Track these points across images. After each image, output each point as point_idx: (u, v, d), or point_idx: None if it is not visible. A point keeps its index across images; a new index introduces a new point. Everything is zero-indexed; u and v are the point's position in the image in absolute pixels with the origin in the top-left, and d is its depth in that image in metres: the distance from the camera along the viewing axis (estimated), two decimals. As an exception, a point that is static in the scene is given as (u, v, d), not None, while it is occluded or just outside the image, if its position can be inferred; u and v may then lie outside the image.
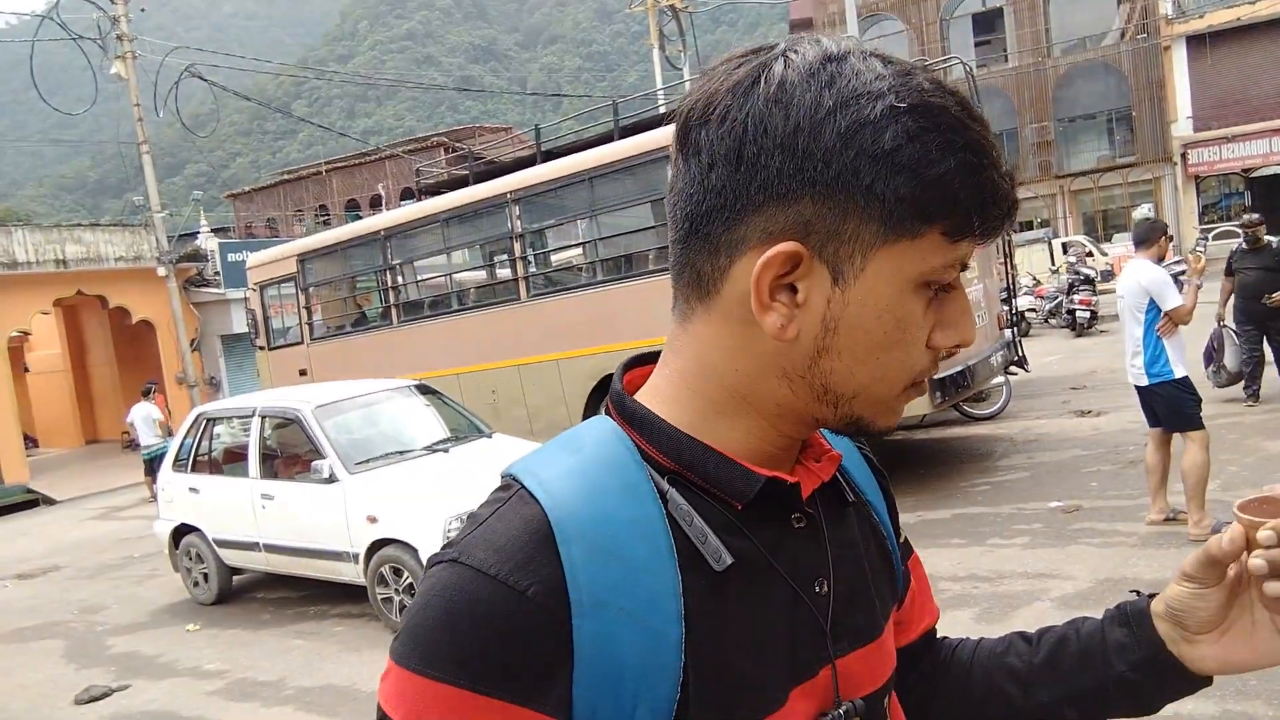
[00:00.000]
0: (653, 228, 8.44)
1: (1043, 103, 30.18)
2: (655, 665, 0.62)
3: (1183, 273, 6.64)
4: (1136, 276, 5.28)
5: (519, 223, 8.83)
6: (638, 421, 0.70)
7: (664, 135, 7.92)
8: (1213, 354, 8.43)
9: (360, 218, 36.09)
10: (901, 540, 0.89)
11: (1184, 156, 29.11)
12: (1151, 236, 5.41)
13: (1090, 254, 20.20)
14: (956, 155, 0.60)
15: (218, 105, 20.80)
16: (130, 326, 20.12)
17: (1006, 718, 0.86)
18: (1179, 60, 29.06)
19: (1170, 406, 5.19)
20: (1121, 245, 22.47)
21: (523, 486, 0.65)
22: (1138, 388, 5.33)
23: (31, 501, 16.29)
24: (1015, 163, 28.14)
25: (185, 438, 7.60)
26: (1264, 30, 27.82)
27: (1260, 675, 3.33)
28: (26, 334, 19.86)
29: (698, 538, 0.65)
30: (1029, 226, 25.90)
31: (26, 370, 22.77)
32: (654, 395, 0.71)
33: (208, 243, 22.55)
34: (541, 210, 9.08)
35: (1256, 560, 0.68)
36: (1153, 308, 5.14)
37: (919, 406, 7.11)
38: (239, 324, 21.08)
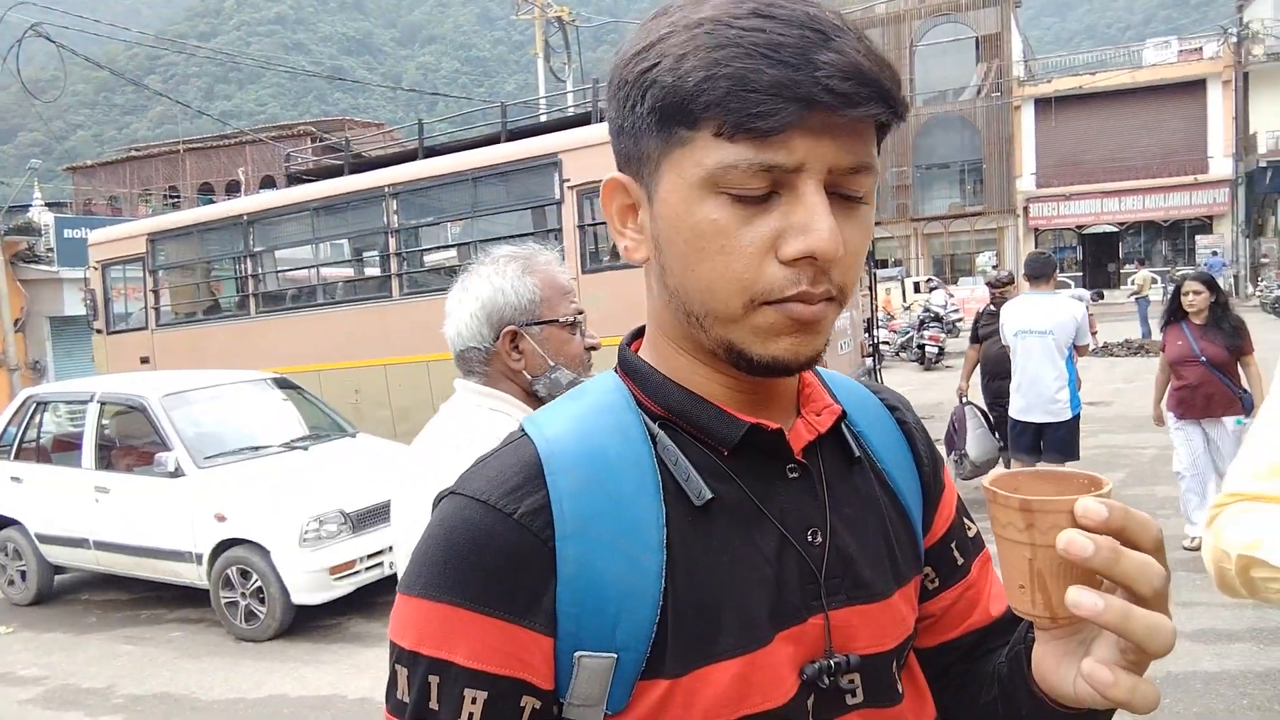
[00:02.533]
0: (533, 234, 8.34)
1: (904, 148, 31.84)
2: (635, 589, 0.65)
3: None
4: (1070, 311, 5.27)
5: (395, 218, 8.54)
6: (634, 372, 0.74)
7: (552, 141, 7.87)
8: (953, 438, 6.55)
9: (213, 202, 34.37)
10: (974, 534, 0.87)
11: (1026, 210, 31.36)
12: (1049, 271, 5.46)
13: (950, 294, 21.37)
14: (697, 56, 0.61)
15: (65, 70, 19.28)
16: (-56, 299, 18.33)
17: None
18: (1027, 120, 31.36)
19: (1071, 436, 5.42)
20: (967, 288, 23.92)
21: (524, 433, 0.71)
22: (1050, 422, 5.33)
23: None
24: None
25: (9, 423, 6.92)
26: (1101, 100, 30.40)
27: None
28: None
29: (681, 475, 0.68)
30: (884, 265, 27.19)
31: None
32: (646, 348, 0.76)
33: (41, 216, 20.82)
34: (420, 207, 8.84)
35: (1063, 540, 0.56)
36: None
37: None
38: (71, 305, 19.51)
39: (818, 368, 0.80)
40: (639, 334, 0.79)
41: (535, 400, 1.59)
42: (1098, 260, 32.80)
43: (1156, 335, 7.06)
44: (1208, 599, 4.48)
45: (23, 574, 6.68)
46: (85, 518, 6.25)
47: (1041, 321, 5.30)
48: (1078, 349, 5.38)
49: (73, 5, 21.41)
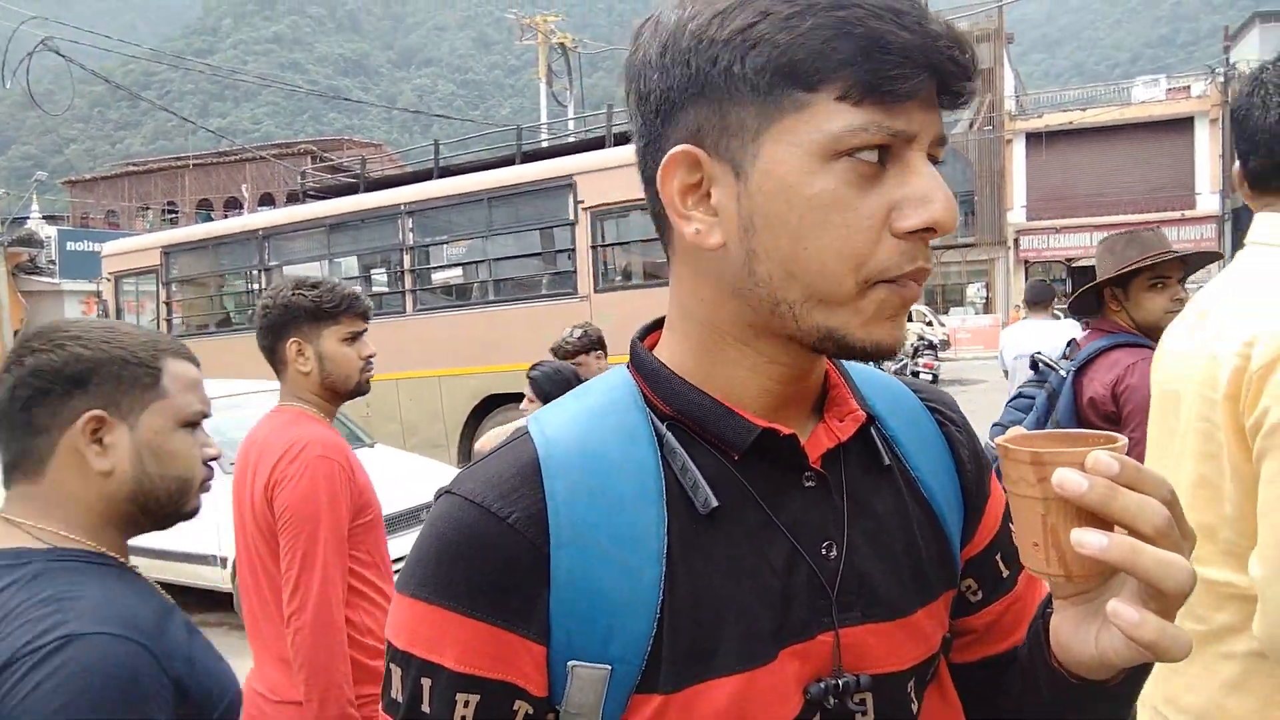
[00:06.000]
0: (545, 253, 8.55)
1: (897, 179, 32.24)
2: (631, 600, 0.63)
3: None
4: (1068, 335, 5.27)
5: (411, 235, 8.75)
6: (644, 369, 0.71)
7: (566, 164, 8.09)
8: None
9: (212, 219, 34.52)
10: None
11: (1016, 242, 31.84)
12: (1048, 298, 5.56)
13: (930, 323, 21.82)
14: (818, 16, 0.57)
15: (73, 83, 19.50)
16: (-55, 309, 18.41)
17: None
18: (1018, 154, 31.93)
19: None
20: (957, 318, 24.31)
21: (528, 433, 0.69)
22: None
23: None
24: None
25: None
26: (1090, 136, 31.00)
27: None
28: None
29: (688, 482, 0.66)
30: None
31: None
32: (661, 345, 0.73)
33: (44, 229, 20.98)
34: (435, 225, 9.03)
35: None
36: None
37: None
38: (71, 316, 19.63)
39: (852, 364, 0.77)
40: (652, 328, 0.77)
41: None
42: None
43: None
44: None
45: None
46: (109, 521, 6.37)
47: (1039, 345, 5.39)
48: None
49: (72, 19, 21.60)
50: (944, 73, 0.59)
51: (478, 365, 8.30)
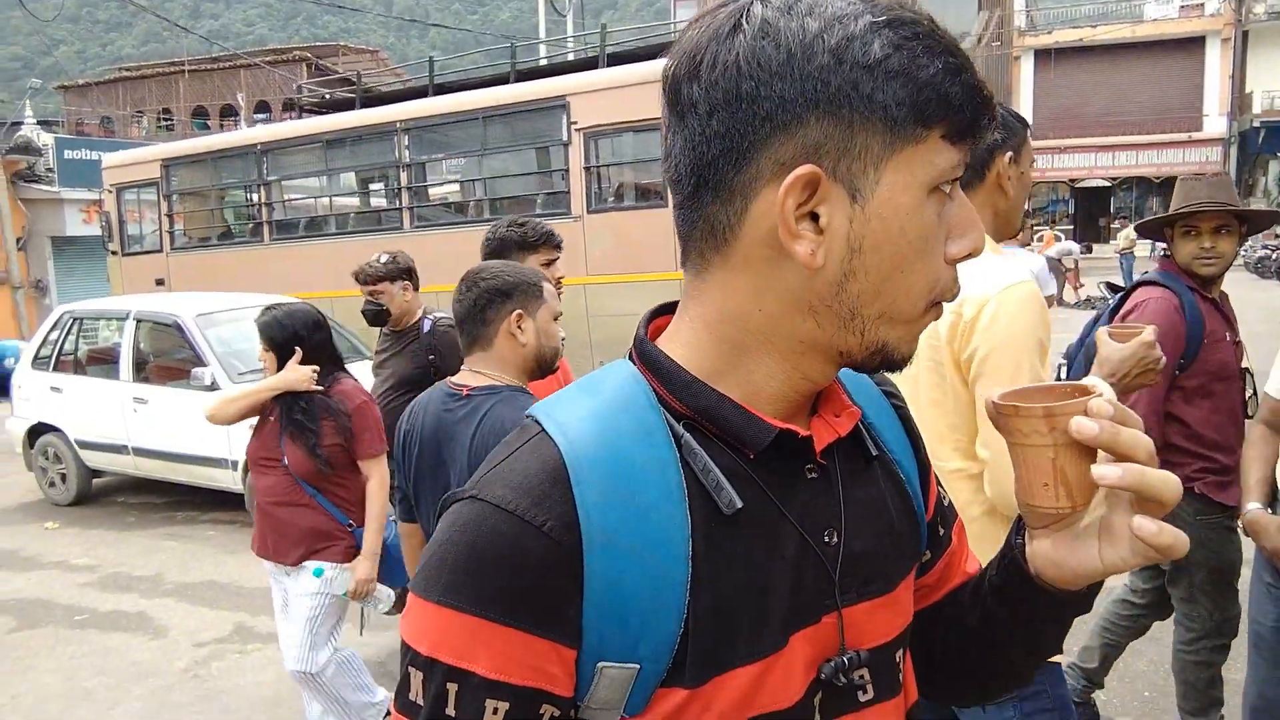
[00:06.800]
0: (537, 173, 8.69)
1: (901, 95, 31.76)
2: (661, 601, 0.64)
3: None
4: (1027, 264, 5.67)
5: (407, 152, 8.88)
6: (657, 367, 0.71)
7: (559, 84, 8.15)
8: None
9: (207, 127, 34.12)
10: (947, 503, 0.92)
11: (1019, 161, 31.53)
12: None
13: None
14: (940, 58, 0.62)
15: (64, -14, 19.13)
16: (-54, 217, 18.48)
17: (973, 651, 0.87)
18: (1026, 71, 31.41)
19: None
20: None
21: (542, 429, 0.68)
22: None
23: None
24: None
25: (49, 336, 7.36)
26: (1100, 53, 30.44)
27: None
28: None
29: (710, 482, 0.67)
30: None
31: None
32: (673, 342, 0.73)
33: (42, 137, 20.87)
34: (431, 143, 9.14)
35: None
36: None
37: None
38: (72, 226, 19.69)
39: None
40: (653, 316, 0.78)
41: None
42: (1089, 214, 33.17)
43: None
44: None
45: (63, 476, 7.18)
46: (124, 426, 6.72)
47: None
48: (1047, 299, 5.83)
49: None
50: (994, 118, 0.67)
51: (473, 282, 8.51)
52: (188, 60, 37.26)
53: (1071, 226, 32.01)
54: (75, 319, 7.37)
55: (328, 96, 11.33)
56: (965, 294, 1.50)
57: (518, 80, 8.73)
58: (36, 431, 7.25)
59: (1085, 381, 0.69)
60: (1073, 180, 32.44)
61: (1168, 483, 0.63)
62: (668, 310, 0.77)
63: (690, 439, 0.68)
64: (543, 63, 10.44)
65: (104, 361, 7.31)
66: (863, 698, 0.74)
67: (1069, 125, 30.99)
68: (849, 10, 0.62)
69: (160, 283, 10.52)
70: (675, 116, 0.67)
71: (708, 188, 0.66)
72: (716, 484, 0.67)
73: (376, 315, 4.02)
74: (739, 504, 0.66)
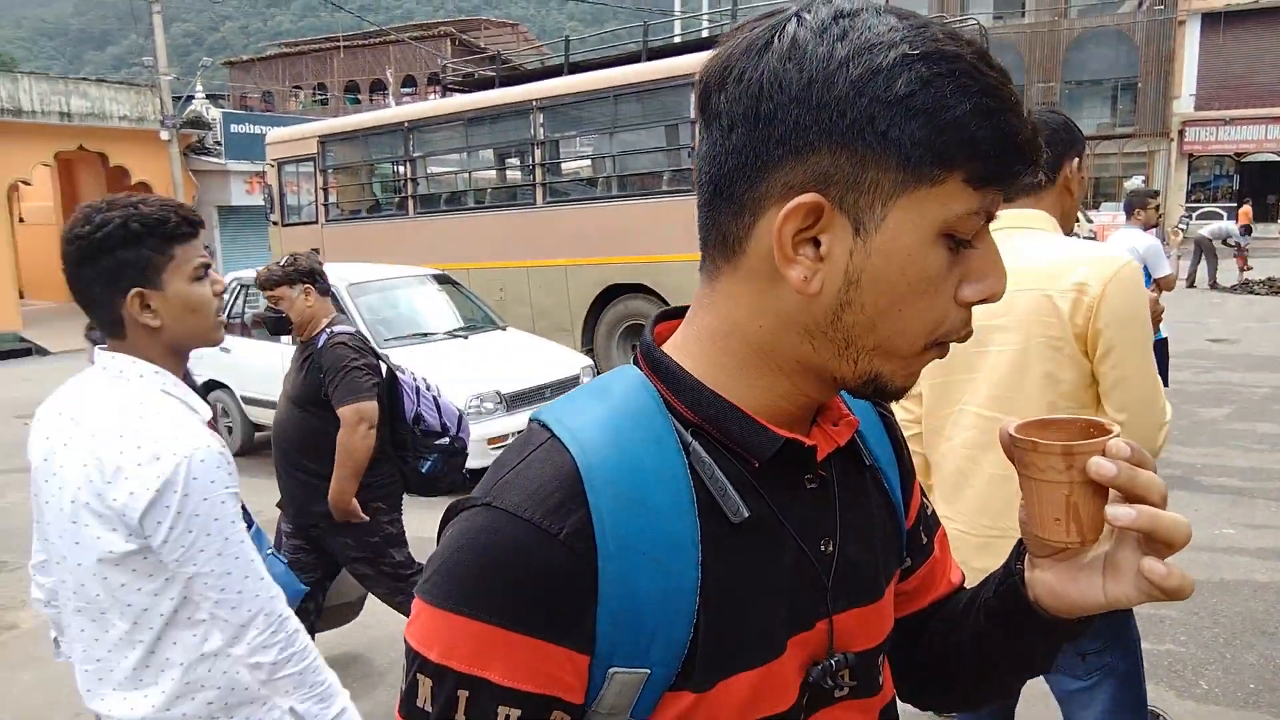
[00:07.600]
0: (668, 149, 8.90)
1: (1052, 63, 30.31)
2: (672, 607, 0.65)
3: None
4: (1132, 243, 5.45)
5: (542, 130, 9.23)
6: (665, 374, 0.71)
7: (689, 62, 8.30)
8: None
9: (359, 101, 35.81)
10: (930, 511, 0.93)
11: (1181, 133, 29.56)
12: (1139, 202, 5.86)
13: (1077, 218, 20.82)
14: (972, 99, 0.59)
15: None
16: (128, 187, 20.19)
17: (963, 666, 0.88)
18: (1191, 36, 29.27)
19: (1159, 366, 5.72)
20: (1108, 214, 23.05)
21: (553, 435, 0.68)
22: None
23: (24, 350, 16.49)
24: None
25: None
26: (1276, 16, 28.00)
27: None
28: (26, 183, 19.91)
29: (717, 490, 0.68)
30: (1021, 185, 26.23)
31: (21, 221, 22.80)
32: (680, 349, 0.73)
33: (211, 111, 22.48)
34: (564, 120, 9.46)
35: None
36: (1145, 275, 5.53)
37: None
38: (237, 196, 21.21)
39: None
40: (659, 320, 0.78)
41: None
42: (1257, 191, 30.79)
43: None
44: None
45: (229, 429, 7.92)
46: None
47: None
48: (1157, 282, 5.54)
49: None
50: (1033, 164, 0.63)
51: (601, 256, 8.84)
52: (341, 36, 39.16)
53: (1235, 204, 29.85)
54: (243, 285, 8.07)
55: (474, 75, 11.83)
56: (1085, 274, 1.73)
57: (650, 58, 8.92)
58: (209, 387, 8.01)
59: (1102, 420, 0.69)
60: (1239, 154, 30.15)
61: (1179, 526, 0.63)
62: (674, 315, 0.78)
63: (698, 447, 0.68)
64: (676, 39, 10.59)
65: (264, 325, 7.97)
66: (838, 694, 0.76)
67: (1237, 94, 28.77)
68: (885, 39, 0.60)
69: (315, 252, 11.26)
70: (704, 122, 0.67)
71: (722, 198, 0.66)
72: (723, 491, 0.68)
73: (277, 323, 3.50)
74: (745, 513, 0.68)
